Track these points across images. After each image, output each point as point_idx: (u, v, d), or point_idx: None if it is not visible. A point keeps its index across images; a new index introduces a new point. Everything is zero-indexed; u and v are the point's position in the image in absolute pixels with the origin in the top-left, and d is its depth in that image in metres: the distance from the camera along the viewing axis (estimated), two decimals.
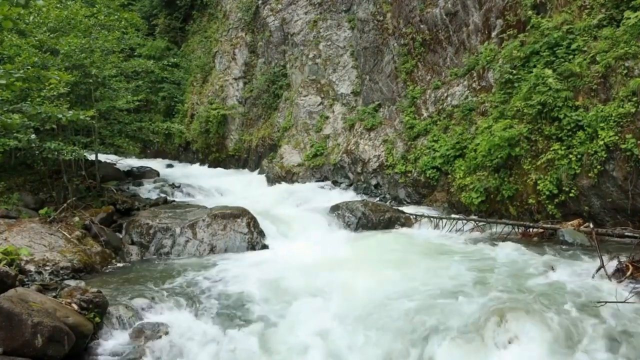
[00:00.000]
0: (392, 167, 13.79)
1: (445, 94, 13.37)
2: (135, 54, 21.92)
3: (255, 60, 20.80)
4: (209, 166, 21.12)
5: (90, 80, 11.93)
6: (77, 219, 9.59)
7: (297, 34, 18.35)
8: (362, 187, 14.67)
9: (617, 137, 8.59)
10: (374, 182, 14.47)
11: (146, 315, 6.36)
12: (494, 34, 12.54)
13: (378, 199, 13.79)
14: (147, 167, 18.65)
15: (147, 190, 14.63)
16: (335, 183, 15.47)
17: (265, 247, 9.89)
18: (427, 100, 13.82)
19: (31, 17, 11.49)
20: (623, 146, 8.51)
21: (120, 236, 10.19)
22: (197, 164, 22.10)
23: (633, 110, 8.48)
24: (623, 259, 6.69)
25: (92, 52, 11.82)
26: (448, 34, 13.56)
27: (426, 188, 12.95)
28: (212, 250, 9.54)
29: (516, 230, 9.70)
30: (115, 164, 16.04)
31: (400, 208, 12.17)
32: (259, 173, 18.24)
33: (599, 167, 8.86)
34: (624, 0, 9.56)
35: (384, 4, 15.28)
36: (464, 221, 10.26)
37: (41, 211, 9.91)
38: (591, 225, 8.61)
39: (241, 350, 5.66)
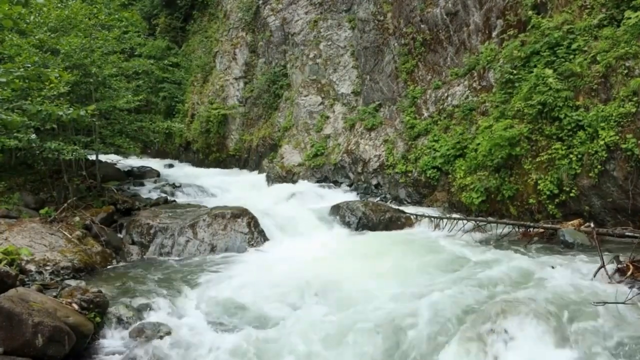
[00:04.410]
0: (393, 167, 13.79)
1: (446, 94, 13.37)
2: (136, 53, 21.95)
3: (255, 60, 20.80)
4: (210, 166, 21.13)
5: (91, 80, 11.94)
6: (77, 218, 9.59)
7: (297, 34, 18.35)
8: (362, 187, 14.66)
9: (617, 137, 8.58)
10: (374, 182, 14.47)
11: (147, 315, 6.36)
12: (494, 33, 12.54)
13: (378, 198, 13.78)
14: (148, 167, 18.67)
15: (148, 190, 14.63)
16: (336, 183, 15.47)
17: (265, 247, 9.88)
18: (428, 100, 13.81)
19: (32, 17, 11.50)
20: (623, 146, 8.50)
21: (121, 236, 10.19)
22: (198, 164, 22.10)
23: (633, 110, 8.48)
24: (624, 259, 6.69)
25: (92, 52, 11.82)
26: (448, 33, 13.56)
27: (427, 188, 12.95)
28: (213, 250, 9.54)
29: (517, 230, 9.69)
30: (115, 164, 16.05)
31: (400, 208, 12.16)
32: (260, 173, 18.24)
33: (599, 167, 8.85)
34: (624, 0, 9.55)
35: (384, 3, 15.28)
36: (465, 221, 10.25)
37: (42, 211, 9.91)
38: (592, 225, 8.60)
39: (241, 351, 5.65)
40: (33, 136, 8.48)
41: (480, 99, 12.35)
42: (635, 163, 8.45)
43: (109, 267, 8.69)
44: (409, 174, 13.35)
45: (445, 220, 10.60)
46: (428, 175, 12.66)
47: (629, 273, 6.31)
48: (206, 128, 21.24)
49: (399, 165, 13.59)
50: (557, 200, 9.57)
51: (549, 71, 9.80)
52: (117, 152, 15.28)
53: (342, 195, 14.04)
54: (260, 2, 20.19)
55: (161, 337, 5.84)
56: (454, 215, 10.91)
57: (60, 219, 9.37)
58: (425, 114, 13.76)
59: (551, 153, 9.63)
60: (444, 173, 12.41)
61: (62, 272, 7.70)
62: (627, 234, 8.13)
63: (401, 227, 11.06)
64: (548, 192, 9.59)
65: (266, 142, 18.96)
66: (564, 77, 9.74)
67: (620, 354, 4.95)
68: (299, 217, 11.37)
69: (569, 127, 9.43)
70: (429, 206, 12.57)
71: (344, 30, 17.06)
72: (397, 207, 12.33)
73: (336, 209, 11.59)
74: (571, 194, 9.32)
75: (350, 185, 15.06)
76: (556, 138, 9.66)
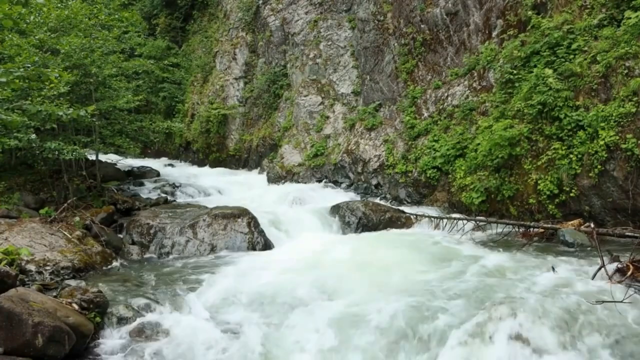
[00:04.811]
0: (393, 167, 13.79)
1: (446, 94, 13.37)
2: (136, 53, 21.96)
3: (255, 60, 20.80)
4: (210, 166, 21.13)
5: (91, 80, 11.95)
6: (77, 218, 9.59)
7: (297, 34, 18.35)
8: (362, 187, 14.67)
9: (617, 137, 8.59)
10: (374, 182, 14.47)
11: (147, 315, 6.35)
12: (494, 33, 12.54)
13: (378, 198, 13.78)
14: (148, 167, 18.68)
15: (148, 190, 14.63)
16: (336, 183, 15.47)
17: (265, 247, 9.87)
18: (428, 100, 13.81)
19: (32, 17, 11.50)
20: (623, 146, 8.51)
21: (121, 236, 10.19)
22: (198, 164, 22.11)
23: (633, 110, 8.48)
24: (623, 259, 6.68)
25: (93, 52, 11.83)
26: (448, 33, 13.56)
27: (427, 188, 12.95)
28: (213, 250, 9.54)
29: (517, 230, 9.70)
30: (115, 164, 16.06)
31: (400, 208, 12.16)
32: (260, 173, 18.24)
33: (599, 166, 8.85)
34: (624, 0, 9.56)
35: (384, 3, 15.28)
36: (465, 221, 10.25)
37: (42, 211, 9.92)
38: (592, 225, 8.60)
39: (240, 351, 5.65)
40: (33, 136, 8.49)
41: (480, 99, 12.35)
42: (635, 163, 8.45)
43: (109, 267, 8.69)
44: (409, 174, 13.35)
45: (445, 220, 10.60)
46: (428, 175, 12.66)
47: (629, 273, 6.30)
48: (206, 128, 21.24)
49: (399, 165, 13.59)
50: (557, 200, 9.58)
51: (549, 71, 9.81)
52: (117, 152, 15.30)
53: (342, 195, 14.03)
54: (260, 2, 20.19)
55: (161, 337, 5.85)
56: (454, 215, 10.91)
57: (60, 219, 9.38)
58: (425, 114, 13.76)
59: (551, 153, 9.63)
60: (444, 173, 12.41)
61: (62, 272, 7.70)
62: (627, 234, 8.13)
63: (401, 227, 11.05)
64: (548, 192, 9.59)
65: (266, 142, 18.96)
66: (564, 77, 9.74)
67: (620, 353, 4.95)
68: (299, 217, 11.37)
69: (569, 127, 9.43)
70: (429, 206, 12.56)
71: (344, 30, 17.06)
72: (397, 207, 12.34)
73: (336, 209, 11.58)
74: (571, 194, 9.32)
75: (350, 185, 15.06)
76: (556, 138, 9.67)
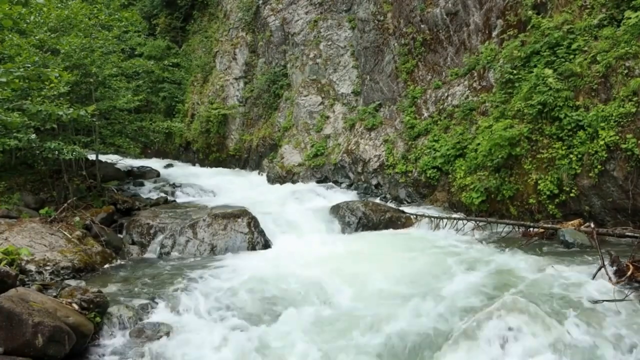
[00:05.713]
0: (393, 167, 13.79)
1: (446, 94, 13.37)
2: (136, 53, 21.95)
3: (255, 60, 20.80)
4: (210, 166, 21.13)
5: (91, 80, 11.96)
6: (77, 218, 9.59)
7: (297, 34, 18.35)
8: (362, 187, 14.67)
9: (617, 137, 8.59)
10: (374, 182, 14.47)
11: (147, 315, 6.36)
12: (494, 33, 12.54)
13: (378, 198, 13.78)
14: (148, 167, 18.67)
15: (148, 190, 14.64)
16: (336, 183, 15.47)
17: (265, 247, 9.88)
18: (428, 100, 13.81)
19: (32, 17, 11.50)
20: (624, 146, 8.51)
21: (121, 236, 10.19)
22: (198, 164, 22.12)
23: (633, 110, 8.48)
24: (624, 259, 6.68)
25: (93, 52, 11.83)
26: (448, 33, 13.56)
27: (427, 188, 12.95)
28: (213, 250, 9.54)
29: (516, 230, 9.69)
30: (115, 164, 16.05)
31: (400, 208, 12.17)
32: (260, 173, 18.25)
33: (599, 166, 8.85)
34: (624, 0, 9.56)
35: (384, 3, 15.28)
36: (465, 221, 10.25)
37: (42, 211, 9.91)
38: (592, 225, 8.60)
39: (240, 351, 5.65)
40: (33, 136, 8.49)
41: (480, 99, 12.35)
42: (635, 163, 8.45)
43: (109, 267, 8.69)
44: (409, 174, 13.35)
45: (445, 220, 10.60)
46: (428, 175, 12.66)
47: (629, 273, 6.31)
48: (206, 128, 21.24)
49: (399, 165, 13.59)
50: (557, 200, 9.57)
51: (549, 71, 9.81)
52: (117, 152, 15.30)
53: (342, 195, 14.03)
54: (260, 2, 20.19)
55: (161, 337, 5.85)
56: (454, 215, 10.91)
57: (60, 219, 9.38)
58: (425, 114, 13.76)
59: (551, 153, 9.64)
60: (444, 173, 12.41)
61: (62, 272, 7.70)
62: (627, 234, 8.13)
63: (401, 227, 11.05)
64: (548, 192, 9.59)
65: (266, 142, 18.96)
66: (564, 77, 9.74)
67: (620, 352, 4.95)
68: (299, 217, 11.36)
69: (569, 127, 9.44)
70: (429, 206, 12.57)
71: (344, 30, 17.06)
72: (397, 207, 12.34)
73: (336, 209, 11.58)
74: (571, 194, 9.32)
75: (350, 185, 15.07)
76: (556, 138, 9.67)
